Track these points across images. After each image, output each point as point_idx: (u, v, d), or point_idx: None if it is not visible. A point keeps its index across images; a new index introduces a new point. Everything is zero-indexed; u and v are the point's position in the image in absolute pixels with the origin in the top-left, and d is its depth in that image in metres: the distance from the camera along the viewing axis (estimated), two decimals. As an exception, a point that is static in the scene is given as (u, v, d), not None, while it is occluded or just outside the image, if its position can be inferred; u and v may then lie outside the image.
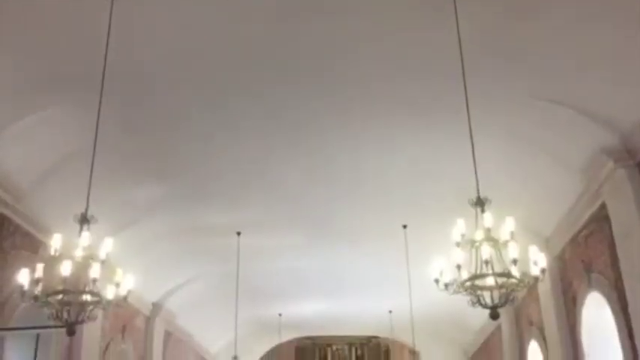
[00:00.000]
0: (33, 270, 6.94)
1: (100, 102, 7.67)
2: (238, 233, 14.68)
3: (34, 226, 11.20)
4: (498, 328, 18.37)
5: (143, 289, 14.92)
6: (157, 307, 17.83)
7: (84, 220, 7.05)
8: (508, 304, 7.38)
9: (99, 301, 7.02)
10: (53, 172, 10.43)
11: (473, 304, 7.16)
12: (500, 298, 7.11)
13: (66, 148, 10.14)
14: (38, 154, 10.11)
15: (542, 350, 14.45)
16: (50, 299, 6.84)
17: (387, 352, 27.63)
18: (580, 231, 11.68)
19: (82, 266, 7.01)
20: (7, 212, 10.40)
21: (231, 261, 15.05)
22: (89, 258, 6.98)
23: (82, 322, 7.03)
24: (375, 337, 27.25)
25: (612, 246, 10.00)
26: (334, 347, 28.14)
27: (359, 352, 28.08)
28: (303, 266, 17.35)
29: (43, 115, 9.37)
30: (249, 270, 15.84)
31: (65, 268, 6.72)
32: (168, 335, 19.30)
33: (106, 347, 14.89)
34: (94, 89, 7.74)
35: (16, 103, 8.95)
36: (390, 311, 20.59)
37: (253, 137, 10.90)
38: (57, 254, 6.91)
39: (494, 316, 7.07)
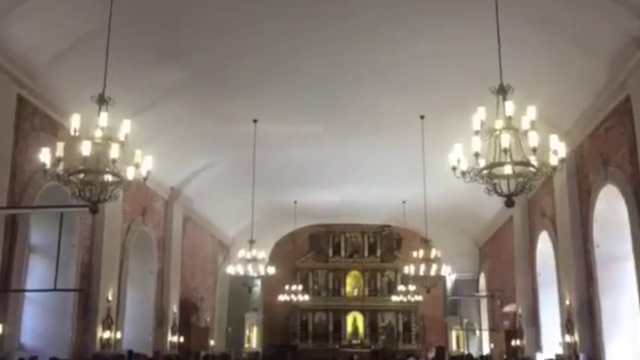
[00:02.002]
0: (54, 149, 7.04)
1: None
2: (255, 120, 14.66)
3: (53, 108, 11.25)
4: (510, 219, 18.68)
5: (161, 173, 15.17)
6: (175, 191, 18.24)
7: (102, 100, 7.04)
8: (524, 192, 7.44)
9: (119, 182, 7.16)
10: (69, 52, 10.30)
11: (489, 192, 7.20)
12: (516, 186, 7.16)
13: (81, 28, 9.94)
14: (54, 34, 9.94)
15: (552, 240, 14.75)
16: (72, 178, 6.98)
17: (400, 240, 28.33)
18: (601, 124, 11.53)
19: (102, 147, 7.08)
20: (24, 94, 10.41)
21: (247, 148, 15.14)
22: (108, 139, 7.04)
23: (104, 201, 7.22)
24: (388, 226, 27.85)
25: (632, 140, 9.89)
26: (347, 235, 28.87)
27: (372, 240, 28.83)
28: (319, 154, 17.45)
29: (56, -8, 9.13)
30: (265, 157, 15.98)
31: (85, 148, 6.79)
32: (186, 219, 19.89)
33: (128, 228, 15.42)
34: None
35: (28, -20, 8.70)
36: (404, 201, 20.89)
37: (273, 21, 10.60)
38: (76, 134, 6.96)
39: (509, 204, 7.13)
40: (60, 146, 6.98)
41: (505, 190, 7.13)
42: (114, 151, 6.89)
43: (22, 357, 10.35)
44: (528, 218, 17.10)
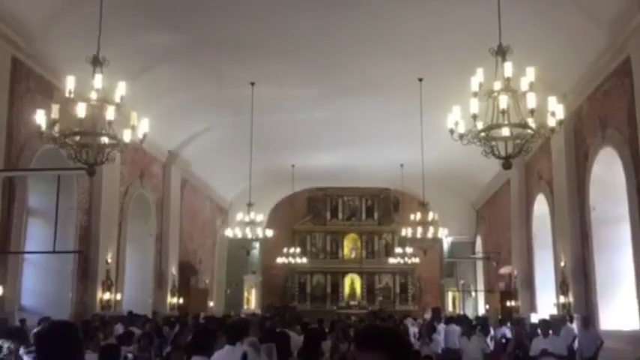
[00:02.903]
0: (49, 111, 7.00)
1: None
2: (252, 84, 14.54)
3: (47, 70, 11.15)
4: (507, 182, 18.73)
5: (159, 136, 15.12)
6: (172, 155, 18.22)
7: (96, 61, 6.97)
8: (521, 155, 7.45)
9: (116, 144, 7.14)
10: (64, 14, 10.16)
11: (486, 154, 7.20)
12: (514, 149, 7.16)
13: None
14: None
15: (548, 203, 14.82)
16: (68, 140, 6.96)
17: (397, 203, 28.42)
18: (600, 86, 11.47)
19: (98, 109, 7.05)
20: (19, 55, 10.30)
21: (245, 112, 15.06)
22: (104, 101, 7.00)
23: (101, 163, 7.21)
24: (386, 190, 27.92)
25: (631, 102, 9.85)
26: (345, 198, 28.94)
27: (369, 203, 28.92)
28: (317, 118, 17.38)
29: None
30: (263, 121, 15.90)
31: (80, 110, 6.76)
32: (184, 183, 19.92)
33: (126, 191, 15.44)
34: None
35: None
36: (402, 165, 20.90)
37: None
38: (71, 96, 6.92)
39: (506, 166, 7.14)
40: (55, 108, 6.94)
41: (502, 152, 7.14)
42: (109, 113, 6.86)
43: (23, 318, 10.46)
44: (525, 181, 17.16)
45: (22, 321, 10.31)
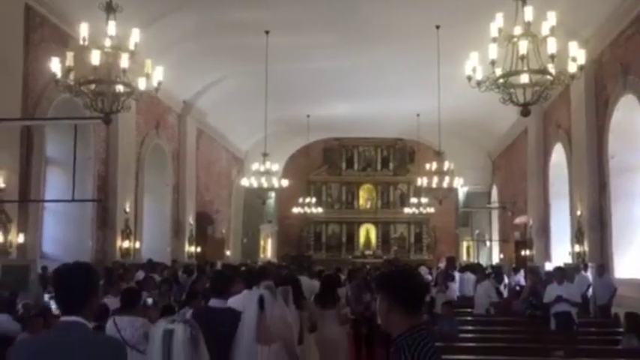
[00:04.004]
0: (64, 60, 6.98)
1: None
2: (267, 32, 14.34)
3: (61, 18, 11.07)
4: (524, 131, 18.53)
5: (173, 87, 15.07)
6: (188, 105, 18.19)
7: (109, 8, 6.90)
8: (539, 102, 7.34)
9: (131, 92, 7.13)
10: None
11: (504, 101, 7.11)
12: (532, 95, 7.05)
13: None
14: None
15: (566, 152, 14.68)
16: (83, 88, 6.97)
17: (413, 153, 28.30)
18: (623, 32, 11.18)
19: (112, 57, 7.01)
20: (32, 3, 10.23)
21: (259, 61, 14.89)
22: (118, 48, 6.96)
23: (117, 111, 7.23)
24: (401, 140, 27.77)
25: (655, 47, 9.62)
26: (361, 149, 28.88)
27: (385, 153, 28.84)
28: (332, 67, 17.16)
29: None
30: (278, 70, 15.74)
31: (94, 58, 6.73)
32: (200, 133, 19.95)
33: (142, 141, 15.51)
34: None
35: None
36: (418, 114, 20.70)
37: None
38: (85, 44, 6.88)
39: (525, 113, 7.06)
40: (69, 56, 6.92)
41: (521, 99, 7.04)
42: (124, 61, 6.82)
43: (45, 265, 10.71)
44: (543, 130, 16.97)
45: (44, 268, 10.57)
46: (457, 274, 13.99)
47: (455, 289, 13.18)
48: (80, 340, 2.65)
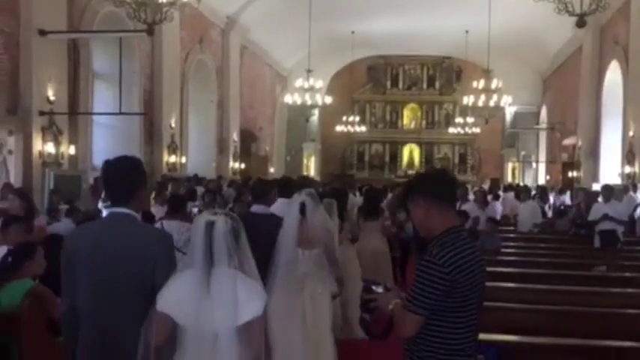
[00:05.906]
0: (106, -32, 6.91)
1: None
2: (311, -58, 13.90)
3: None
4: (579, 48, 17.76)
5: (216, 1, 14.86)
6: (231, 20, 17.97)
7: None
8: (597, 12, 6.99)
9: (174, 2, 7.06)
10: None
11: (559, 11, 6.79)
12: (590, 5, 6.70)
13: None
14: None
15: (622, 70, 14.07)
16: (126, -2, 6.93)
17: (459, 72, 27.51)
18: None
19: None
20: None
21: (304, -27, 14.52)
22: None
23: (160, 22, 7.20)
24: (448, 58, 26.98)
25: None
26: (406, 67, 28.18)
27: (430, 72, 28.11)
28: (378, -20, 16.61)
29: None
30: (322, -17, 15.32)
31: (137, -35, 6.64)
32: (243, 49, 19.78)
33: (186, 57, 15.50)
34: None
35: None
36: (467, 31, 19.98)
37: None
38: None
39: (581, 24, 6.75)
40: (112, -36, 6.84)
41: (577, 9, 6.71)
42: (166, -31, 6.71)
43: (97, 176, 11.04)
44: (599, 47, 16.20)
45: (96, 179, 10.91)
46: (501, 194, 13.88)
47: (498, 209, 13.10)
48: (132, 227, 2.76)
